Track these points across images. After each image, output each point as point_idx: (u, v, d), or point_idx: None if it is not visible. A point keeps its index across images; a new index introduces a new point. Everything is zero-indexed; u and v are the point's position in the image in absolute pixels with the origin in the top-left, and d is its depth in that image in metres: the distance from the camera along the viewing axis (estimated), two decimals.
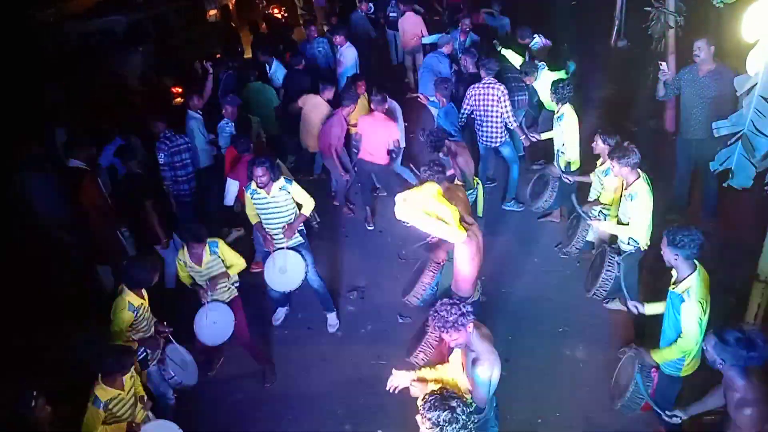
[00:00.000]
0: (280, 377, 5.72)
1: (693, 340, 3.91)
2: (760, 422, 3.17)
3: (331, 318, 6.28)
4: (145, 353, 4.80)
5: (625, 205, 5.14)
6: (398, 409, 4.63)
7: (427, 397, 3.00)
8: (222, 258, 5.30)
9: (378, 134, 7.26)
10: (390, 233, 7.58)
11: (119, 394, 4.26)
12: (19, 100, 8.79)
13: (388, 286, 6.58)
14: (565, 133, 6.41)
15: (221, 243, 5.33)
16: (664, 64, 6.58)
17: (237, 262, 5.39)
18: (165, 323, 5.03)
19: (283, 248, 5.78)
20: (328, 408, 5.33)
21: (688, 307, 3.87)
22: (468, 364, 3.66)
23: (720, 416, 3.60)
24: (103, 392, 4.19)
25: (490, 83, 7.17)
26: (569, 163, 6.51)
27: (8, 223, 6.79)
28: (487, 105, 7.20)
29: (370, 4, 11.72)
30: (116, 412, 4.25)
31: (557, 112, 6.54)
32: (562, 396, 5.13)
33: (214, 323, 5.25)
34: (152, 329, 4.91)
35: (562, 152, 6.54)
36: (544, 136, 7.02)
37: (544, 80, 7.39)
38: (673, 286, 4.05)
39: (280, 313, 6.39)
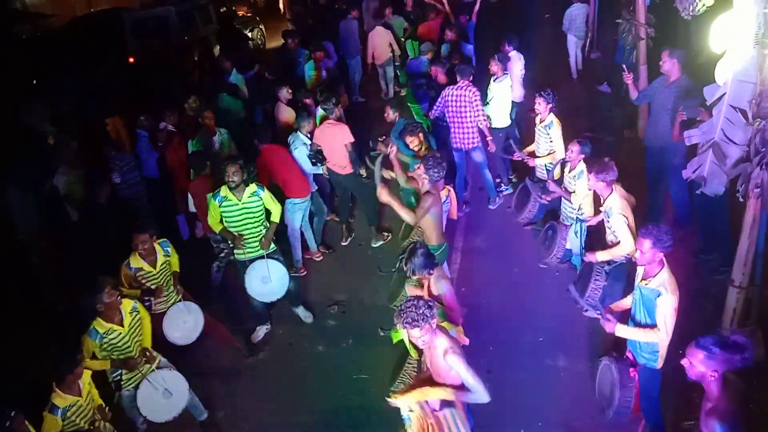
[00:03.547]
0: (262, 394, 5.65)
1: (669, 332, 4.01)
2: None
3: (301, 311, 6.44)
4: (120, 375, 4.71)
5: (605, 221, 5.18)
6: (382, 423, 4.60)
7: None
8: (171, 258, 5.47)
9: (334, 141, 7.01)
10: (369, 246, 7.56)
11: (77, 401, 4.15)
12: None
13: (369, 299, 6.56)
14: (554, 141, 6.49)
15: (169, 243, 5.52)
16: (625, 70, 6.73)
17: (176, 260, 5.59)
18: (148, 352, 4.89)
19: (261, 257, 5.80)
20: (311, 423, 5.26)
21: (665, 300, 3.97)
22: (439, 360, 3.71)
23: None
24: (61, 399, 4.07)
25: (463, 86, 7.26)
26: (551, 172, 6.58)
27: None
28: (460, 107, 7.28)
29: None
30: (75, 420, 4.11)
31: (544, 120, 6.60)
32: (543, 405, 5.12)
33: (185, 323, 5.40)
34: (135, 352, 4.78)
35: (550, 163, 6.60)
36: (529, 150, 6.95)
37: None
38: (645, 282, 4.13)
39: (261, 331, 6.29)
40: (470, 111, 7.27)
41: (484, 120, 7.33)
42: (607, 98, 10.10)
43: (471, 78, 7.36)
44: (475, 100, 7.23)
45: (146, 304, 5.32)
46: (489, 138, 7.45)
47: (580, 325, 5.84)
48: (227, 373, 5.91)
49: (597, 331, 5.59)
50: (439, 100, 7.51)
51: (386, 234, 7.63)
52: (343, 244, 7.72)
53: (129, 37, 11.94)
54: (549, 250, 6.03)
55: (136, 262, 5.23)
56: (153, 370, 4.82)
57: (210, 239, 6.61)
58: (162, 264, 5.35)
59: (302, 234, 7.19)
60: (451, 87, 7.37)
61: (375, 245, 7.54)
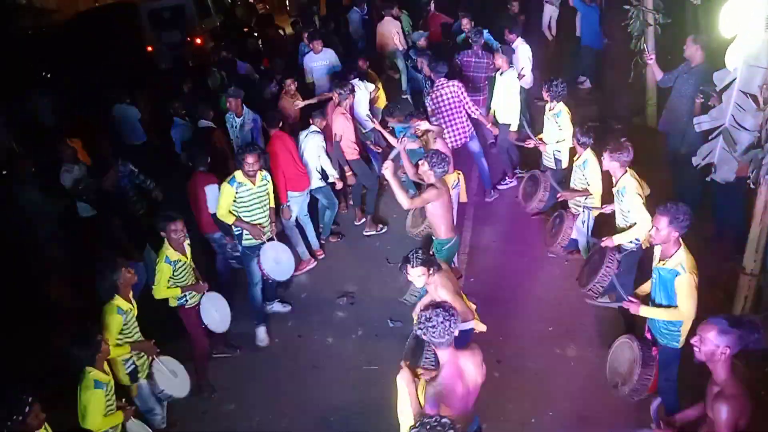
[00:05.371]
0: (272, 386, 5.68)
1: (691, 311, 3.97)
2: (735, 418, 3.12)
3: (278, 306, 6.57)
4: (134, 366, 4.74)
5: (618, 202, 5.16)
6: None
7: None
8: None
9: (346, 130, 7.22)
10: (378, 238, 7.58)
11: (110, 380, 4.20)
12: None
13: (378, 290, 6.57)
14: (563, 131, 6.44)
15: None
16: (647, 51, 6.74)
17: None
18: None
19: (272, 239, 6.07)
20: (320, 415, 5.29)
21: (683, 280, 3.93)
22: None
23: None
24: (102, 376, 4.11)
25: (443, 83, 7.25)
26: (559, 161, 6.55)
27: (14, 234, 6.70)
28: (451, 104, 7.24)
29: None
30: (110, 400, 4.16)
31: (552, 109, 6.56)
32: (554, 395, 5.12)
33: (217, 311, 5.51)
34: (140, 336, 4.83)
35: (558, 151, 6.57)
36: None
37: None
38: (662, 263, 4.09)
39: (261, 333, 6.19)
40: (458, 106, 7.25)
41: (476, 109, 7.35)
42: (615, 84, 9.98)
43: (445, 74, 7.33)
44: (459, 92, 7.22)
45: (181, 301, 5.30)
46: (489, 125, 7.49)
47: (590, 314, 5.83)
48: (236, 365, 5.95)
49: (606, 320, 5.61)
50: (428, 102, 7.42)
51: (380, 226, 7.68)
52: (356, 223, 7.83)
53: (144, 30, 11.63)
54: (554, 238, 6.00)
55: (171, 254, 5.10)
56: (153, 358, 4.87)
57: (209, 239, 6.53)
58: (190, 253, 5.33)
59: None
60: (432, 88, 7.33)
61: (367, 234, 7.62)
